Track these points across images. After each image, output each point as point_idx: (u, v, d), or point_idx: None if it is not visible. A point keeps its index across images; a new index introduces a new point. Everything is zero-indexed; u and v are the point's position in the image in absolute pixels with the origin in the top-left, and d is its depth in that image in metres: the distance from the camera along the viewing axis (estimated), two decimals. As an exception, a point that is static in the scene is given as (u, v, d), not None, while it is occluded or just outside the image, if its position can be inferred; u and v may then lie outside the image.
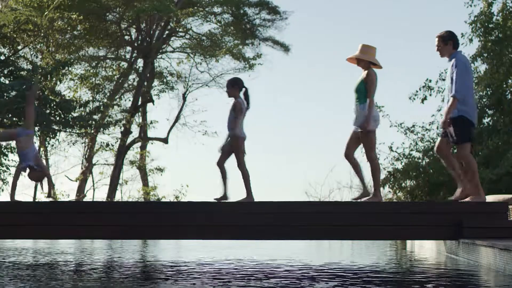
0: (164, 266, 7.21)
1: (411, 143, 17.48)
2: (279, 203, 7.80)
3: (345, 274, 6.26)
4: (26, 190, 28.30)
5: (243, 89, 8.36)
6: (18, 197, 8.78)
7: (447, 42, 7.56)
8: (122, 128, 26.40)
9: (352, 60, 8.25)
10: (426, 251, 9.55)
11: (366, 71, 7.97)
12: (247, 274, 6.24)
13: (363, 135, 7.84)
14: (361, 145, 7.96)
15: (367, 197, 7.95)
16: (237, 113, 8.14)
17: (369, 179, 8.05)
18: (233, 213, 7.71)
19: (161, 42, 27.25)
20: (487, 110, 17.22)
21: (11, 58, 20.73)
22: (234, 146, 8.15)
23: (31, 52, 23.74)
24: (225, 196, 8.07)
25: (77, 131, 22.80)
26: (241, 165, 8.12)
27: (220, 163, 8.21)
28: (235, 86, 8.31)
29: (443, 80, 17.23)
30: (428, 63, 33.83)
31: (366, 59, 7.98)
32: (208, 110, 34.63)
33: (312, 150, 34.93)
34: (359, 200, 7.97)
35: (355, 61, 8.20)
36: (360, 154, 8.40)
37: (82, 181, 26.63)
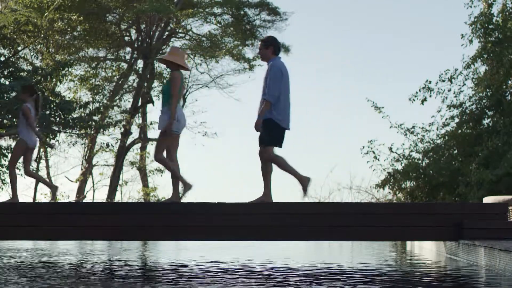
0: (164, 266, 7.21)
1: (411, 144, 17.48)
2: (278, 204, 7.80)
3: (344, 275, 6.26)
4: (26, 191, 28.30)
5: (34, 95, 8.72)
6: (18, 197, 8.79)
7: (268, 47, 7.73)
8: (122, 129, 26.41)
9: (162, 62, 8.40)
10: (426, 252, 9.55)
11: (172, 74, 7.98)
12: (247, 274, 6.24)
13: (160, 135, 7.94)
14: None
15: (188, 190, 7.90)
16: (26, 118, 8.48)
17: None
18: (233, 214, 7.72)
19: (161, 43, 27.25)
20: (487, 111, 17.22)
21: (11, 59, 20.73)
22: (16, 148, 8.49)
23: (31, 53, 23.76)
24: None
25: (77, 132, 22.80)
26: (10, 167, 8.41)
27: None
28: (26, 93, 8.76)
29: (443, 81, 17.24)
30: (428, 63, 33.85)
31: (173, 61, 7.97)
32: (208, 111, 34.65)
33: (312, 150, 34.94)
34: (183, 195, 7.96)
35: (164, 62, 8.32)
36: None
37: (82, 182, 26.63)
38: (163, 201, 8.00)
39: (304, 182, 7.70)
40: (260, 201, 7.68)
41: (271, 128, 7.58)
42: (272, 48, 7.75)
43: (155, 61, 27.27)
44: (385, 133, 40.51)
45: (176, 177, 7.92)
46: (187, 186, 7.86)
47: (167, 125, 7.78)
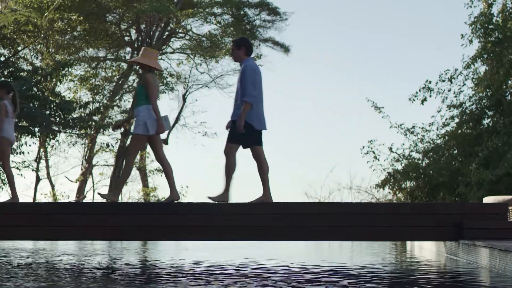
0: (163, 266, 7.21)
1: (411, 144, 17.50)
2: (278, 204, 7.80)
3: (344, 275, 6.26)
4: (26, 191, 28.29)
5: (11, 92, 8.75)
6: (18, 197, 8.79)
7: (240, 48, 7.75)
8: (122, 129, 26.40)
9: (135, 63, 8.48)
10: (426, 252, 9.56)
11: (145, 76, 8.00)
12: (247, 274, 6.24)
13: (131, 137, 7.98)
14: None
15: (176, 200, 8.00)
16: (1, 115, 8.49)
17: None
18: (233, 214, 7.72)
19: (161, 43, 27.24)
20: (487, 111, 17.23)
21: (11, 59, 20.73)
22: None
23: (31, 53, 23.76)
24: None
25: (77, 132, 22.79)
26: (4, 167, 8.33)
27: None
28: (3, 89, 8.73)
29: (443, 81, 17.25)
30: (428, 63, 33.85)
31: (145, 63, 8.01)
32: (208, 111, 34.64)
33: (312, 150, 34.94)
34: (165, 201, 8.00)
35: (136, 64, 8.38)
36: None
37: (82, 182, 26.63)
38: (163, 201, 8.01)
39: (224, 196, 7.71)
40: (260, 201, 7.69)
41: (245, 129, 7.58)
42: (244, 49, 7.75)
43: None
44: (385, 133, 40.52)
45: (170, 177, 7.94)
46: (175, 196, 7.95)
47: (159, 127, 7.81)
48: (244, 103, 7.54)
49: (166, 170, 7.96)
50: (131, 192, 27.87)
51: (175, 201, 7.93)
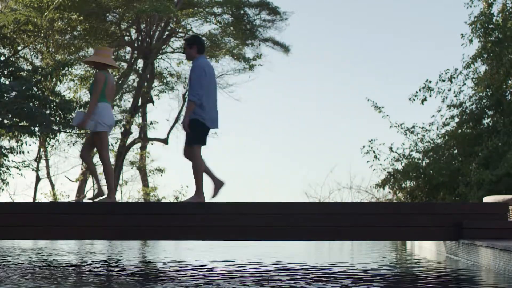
0: (163, 267, 7.21)
1: (411, 144, 17.50)
2: (278, 204, 7.80)
3: (344, 275, 6.26)
4: (26, 191, 28.31)
5: None
6: (18, 197, 8.79)
7: (192, 46, 7.80)
8: (122, 129, 26.41)
9: (90, 63, 8.59)
10: (426, 252, 9.56)
11: (96, 73, 8.14)
12: (247, 274, 6.24)
13: (94, 136, 8.05)
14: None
15: (102, 197, 8.02)
16: None
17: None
18: (232, 214, 7.72)
19: (161, 42, 27.25)
20: (487, 111, 17.23)
21: (11, 59, 20.73)
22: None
23: (31, 53, 23.75)
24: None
25: (77, 132, 22.79)
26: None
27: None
28: None
29: (443, 81, 17.26)
30: (428, 63, 33.86)
31: (98, 61, 8.11)
32: (208, 111, 34.59)
33: (312, 150, 34.95)
34: (95, 200, 8.00)
35: (90, 63, 8.50)
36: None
37: (82, 181, 26.63)
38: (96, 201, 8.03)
39: (218, 185, 7.79)
40: (194, 200, 7.74)
41: (196, 127, 7.65)
42: (196, 47, 7.79)
43: (154, 61, 27.29)
44: (385, 132, 40.50)
45: (97, 179, 8.10)
46: (100, 193, 8.02)
47: (82, 122, 7.91)
48: (189, 101, 7.63)
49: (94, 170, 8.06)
50: (131, 192, 27.90)
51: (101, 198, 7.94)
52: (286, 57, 28.77)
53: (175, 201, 25.24)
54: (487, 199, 10.71)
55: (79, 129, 7.90)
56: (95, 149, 8.22)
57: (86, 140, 8.35)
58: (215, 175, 7.81)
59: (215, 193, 7.78)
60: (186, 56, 7.93)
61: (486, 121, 17.31)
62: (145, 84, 27.08)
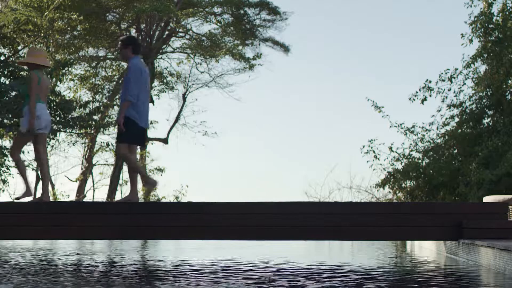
0: (163, 267, 7.21)
1: (411, 144, 17.49)
2: (278, 204, 7.80)
3: (344, 275, 6.26)
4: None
5: None
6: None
7: (127, 46, 7.92)
8: (122, 129, 26.38)
9: (23, 64, 8.73)
10: (426, 252, 9.56)
11: (30, 74, 8.24)
12: (248, 274, 6.24)
13: (18, 134, 8.16)
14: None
15: (29, 197, 8.11)
16: None
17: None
18: (232, 214, 7.72)
19: (161, 42, 27.25)
20: (487, 110, 17.23)
21: (11, 59, 20.72)
22: None
23: (31, 53, 23.73)
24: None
25: (77, 132, 22.79)
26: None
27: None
28: None
29: (443, 81, 17.25)
30: (428, 63, 33.85)
31: (32, 62, 8.18)
32: (208, 111, 34.67)
33: (312, 150, 34.95)
34: (20, 200, 8.08)
35: (24, 64, 8.67)
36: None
37: (82, 181, 26.63)
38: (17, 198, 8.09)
39: (150, 185, 8.06)
40: (127, 200, 7.79)
41: (128, 126, 7.72)
42: (131, 48, 7.90)
43: (154, 61, 27.29)
44: (385, 132, 40.54)
45: (25, 178, 8.13)
46: (28, 193, 8.08)
47: (29, 125, 7.95)
48: (124, 100, 7.70)
49: (23, 169, 8.13)
50: (131, 192, 27.85)
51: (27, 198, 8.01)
52: (286, 57, 28.81)
53: (175, 200, 25.26)
54: (487, 199, 10.71)
55: (30, 133, 7.93)
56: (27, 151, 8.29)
57: (16, 140, 8.41)
58: (146, 174, 8.09)
59: (148, 193, 7.97)
60: (121, 56, 8.10)
61: (486, 121, 17.30)
62: (145, 84, 27.04)
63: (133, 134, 7.80)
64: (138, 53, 7.95)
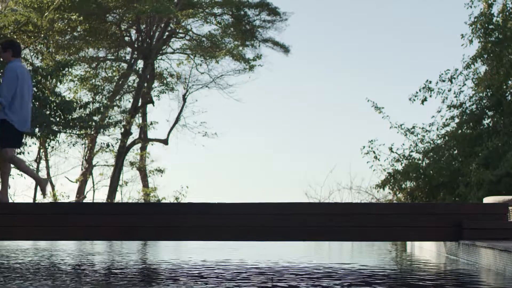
0: (163, 267, 7.21)
1: (411, 144, 17.50)
2: (278, 204, 7.80)
3: (345, 275, 6.25)
4: (26, 191, 28.30)
5: None
6: (18, 198, 8.82)
7: (6, 50, 8.06)
8: (122, 129, 26.41)
9: None
10: (426, 253, 9.55)
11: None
12: (247, 274, 6.24)
13: None
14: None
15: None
16: None
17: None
18: (232, 215, 7.72)
19: (161, 43, 27.25)
20: (487, 111, 17.23)
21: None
22: None
23: (31, 53, 23.75)
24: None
25: (77, 132, 22.79)
26: None
27: None
28: None
29: (443, 81, 17.26)
30: (428, 63, 33.85)
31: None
32: (208, 111, 34.65)
33: (312, 150, 34.94)
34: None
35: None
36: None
37: (82, 182, 26.62)
38: None
39: (42, 183, 8.06)
40: None
41: (6, 129, 7.80)
42: (10, 51, 8.04)
43: (154, 62, 27.29)
44: (385, 133, 40.50)
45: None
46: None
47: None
48: None
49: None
50: (131, 193, 27.89)
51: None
52: (286, 58, 28.82)
53: (175, 201, 25.26)
54: (487, 200, 10.71)
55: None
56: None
57: None
58: (36, 174, 8.09)
59: (43, 192, 8.01)
60: (3, 60, 8.20)
61: (486, 121, 17.31)
62: (145, 84, 27.08)
63: (11, 137, 7.87)
64: (18, 56, 8.06)
